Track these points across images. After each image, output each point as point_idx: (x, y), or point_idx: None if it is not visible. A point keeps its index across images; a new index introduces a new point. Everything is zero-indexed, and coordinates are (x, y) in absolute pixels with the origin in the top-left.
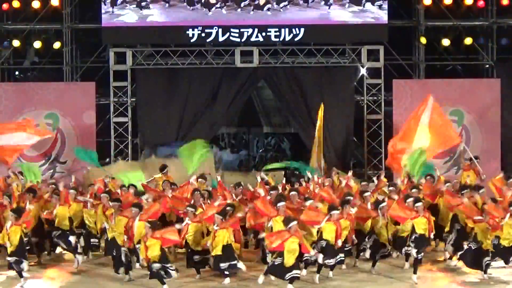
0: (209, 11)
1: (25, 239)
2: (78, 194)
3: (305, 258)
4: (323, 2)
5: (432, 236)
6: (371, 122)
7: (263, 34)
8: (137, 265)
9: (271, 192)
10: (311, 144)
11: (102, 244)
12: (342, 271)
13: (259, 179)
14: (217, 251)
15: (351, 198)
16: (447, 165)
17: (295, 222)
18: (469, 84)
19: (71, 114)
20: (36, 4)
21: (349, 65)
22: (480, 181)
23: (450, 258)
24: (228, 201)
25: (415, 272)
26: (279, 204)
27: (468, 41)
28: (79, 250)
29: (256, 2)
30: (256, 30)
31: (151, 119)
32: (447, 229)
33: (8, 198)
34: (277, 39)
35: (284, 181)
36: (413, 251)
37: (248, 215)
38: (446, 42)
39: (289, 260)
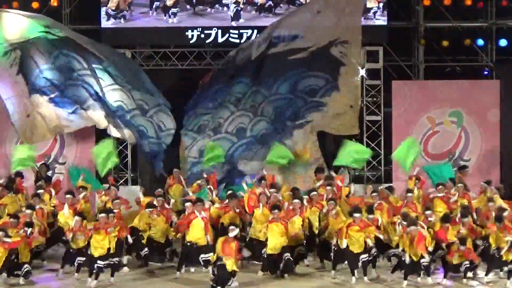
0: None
1: None
2: None
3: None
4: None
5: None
6: (370, 123)
7: None
8: None
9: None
10: None
11: None
12: None
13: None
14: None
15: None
16: None
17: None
18: (469, 85)
19: None
20: (35, 5)
21: None
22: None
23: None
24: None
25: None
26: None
27: (467, 42)
28: None
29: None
30: (255, 31)
31: None
32: None
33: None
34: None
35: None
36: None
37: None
38: (445, 43)
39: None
